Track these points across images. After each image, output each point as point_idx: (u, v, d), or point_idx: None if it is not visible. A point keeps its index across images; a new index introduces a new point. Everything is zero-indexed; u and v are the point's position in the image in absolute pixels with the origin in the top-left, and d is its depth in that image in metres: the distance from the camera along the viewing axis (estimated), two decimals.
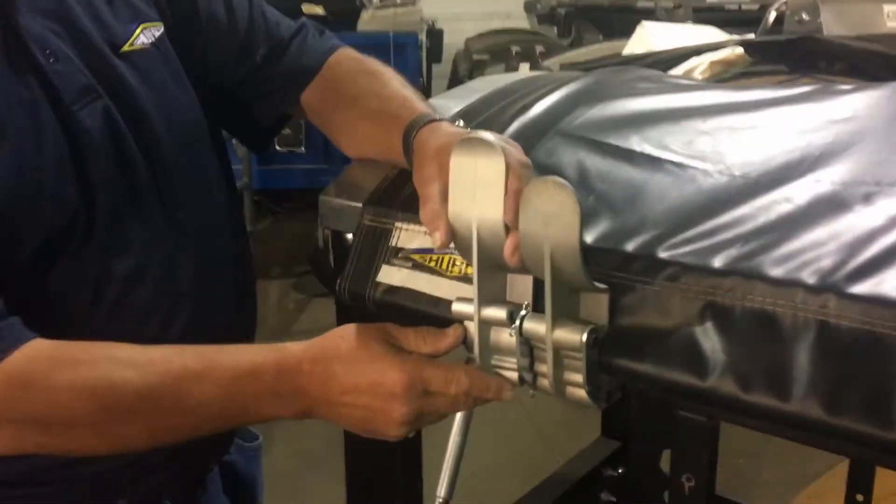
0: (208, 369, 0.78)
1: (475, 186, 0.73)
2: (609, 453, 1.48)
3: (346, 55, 1.02)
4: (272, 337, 3.42)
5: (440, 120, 0.88)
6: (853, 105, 0.91)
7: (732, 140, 0.87)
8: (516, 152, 0.77)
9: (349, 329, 0.80)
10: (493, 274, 0.77)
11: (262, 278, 3.97)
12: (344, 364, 0.78)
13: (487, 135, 0.73)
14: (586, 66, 1.64)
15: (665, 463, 1.47)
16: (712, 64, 1.49)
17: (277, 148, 3.87)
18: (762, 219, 0.75)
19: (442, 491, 1.04)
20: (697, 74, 1.48)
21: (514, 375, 0.78)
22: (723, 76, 1.47)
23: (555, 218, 0.69)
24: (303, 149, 3.86)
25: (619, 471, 1.51)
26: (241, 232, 1.07)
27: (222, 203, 1.01)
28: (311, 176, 3.78)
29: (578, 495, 1.48)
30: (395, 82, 0.96)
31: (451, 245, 0.78)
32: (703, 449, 0.74)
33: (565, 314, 0.74)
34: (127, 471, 0.91)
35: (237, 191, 1.06)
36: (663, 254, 0.74)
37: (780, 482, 2.21)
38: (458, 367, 0.78)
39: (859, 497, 1.33)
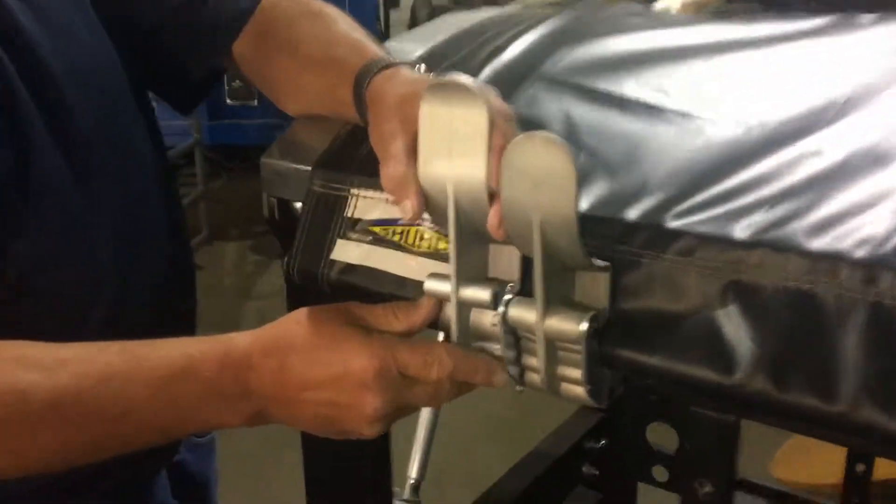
0: (136, 367, 0.65)
1: (451, 142, 0.60)
2: (592, 425, 1.38)
3: None
4: (231, 302, 3.28)
5: (398, 64, 0.74)
6: (880, 39, 0.79)
7: (743, 83, 0.75)
8: (497, 101, 0.64)
9: (304, 313, 0.67)
10: (472, 245, 0.65)
11: (218, 240, 3.81)
12: (301, 354, 0.65)
13: (466, 79, 0.60)
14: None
15: (651, 435, 1.37)
16: (685, 5, 1.37)
17: (228, 101, 3.67)
18: (789, 177, 0.63)
19: (413, 471, 0.93)
20: None
21: None
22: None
23: (545, 182, 0.56)
24: (255, 102, 3.66)
25: (602, 443, 1.41)
26: (174, 200, 0.92)
27: (150, 166, 0.86)
28: (266, 130, 3.60)
29: (560, 472, 1.38)
30: (341, 24, 0.82)
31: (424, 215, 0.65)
32: (721, 450, 0.63)
33: (558, 298, 0.61)
34: (66, 479, 0.78)
35: (166, 154, 0.91)
36: (673, 222, 0.62)
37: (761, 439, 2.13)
38: (438, 346, 0.65)
39: (860, 467, 1.24)
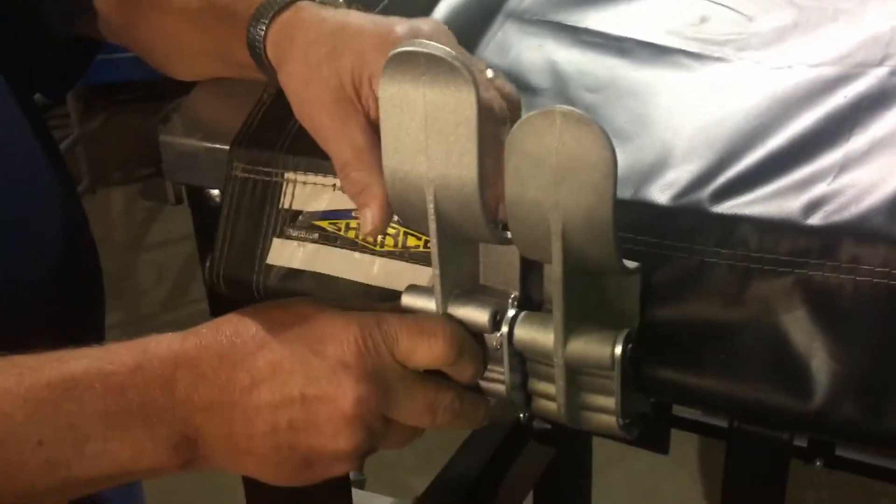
0: (16, 378, 0.46)
1: (427, 133, 0.45)
2: None
3: None
4: (124, 256, 3.02)
5: (297, 1, 0.54)
6: None
7: (761, 13, 0.61)
8: (479, 72, 0.49)
9: (259, 305, 0.51)
10: (458, 250, 0.50)
11: (102, 186, 3.50)
12: (252, 337, 0.47)
13: (439, 47, 0.44)
14: None
15: None
16: None
17: None
18: (848, 136, 0.51)
19: None
20: None
21: (498, 388, 0.53)
22: None
23: (571, 174, 0.42)
24: None
25: None
26: (67, 188, 0.71)
27: (45, 180, 0.65)
28: (141, 65, 3.26)
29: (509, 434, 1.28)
30: None
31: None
32: (770, 473, 0.52)
33: (578, 312, 0.48)
34: None
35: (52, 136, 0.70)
36: (716, 205, 0.49)
37: None
38: (434, 314, 0.50)
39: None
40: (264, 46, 0.54)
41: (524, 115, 0.42)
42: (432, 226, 0.47)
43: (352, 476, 1.42)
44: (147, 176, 3.52)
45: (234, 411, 0.47)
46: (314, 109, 0.51)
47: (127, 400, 0.46)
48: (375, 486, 1.40)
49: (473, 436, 1.26)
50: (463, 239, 0.50)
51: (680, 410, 1.28)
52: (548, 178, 0.43)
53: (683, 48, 0.59)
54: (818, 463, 1.18)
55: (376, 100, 0.48)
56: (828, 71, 0.55)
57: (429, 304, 0.51)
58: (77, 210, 0.69)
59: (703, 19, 0.61)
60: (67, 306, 0.64)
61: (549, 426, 1.37)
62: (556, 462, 1.38)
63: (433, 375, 0.50)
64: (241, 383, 0.47)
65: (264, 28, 0.54)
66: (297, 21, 0.53)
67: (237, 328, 0.48)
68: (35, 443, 0.46)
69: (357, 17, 0.53)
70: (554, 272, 0.45)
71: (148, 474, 0.48)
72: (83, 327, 0.68)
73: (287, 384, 0.47)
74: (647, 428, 1.21)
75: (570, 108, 0.41)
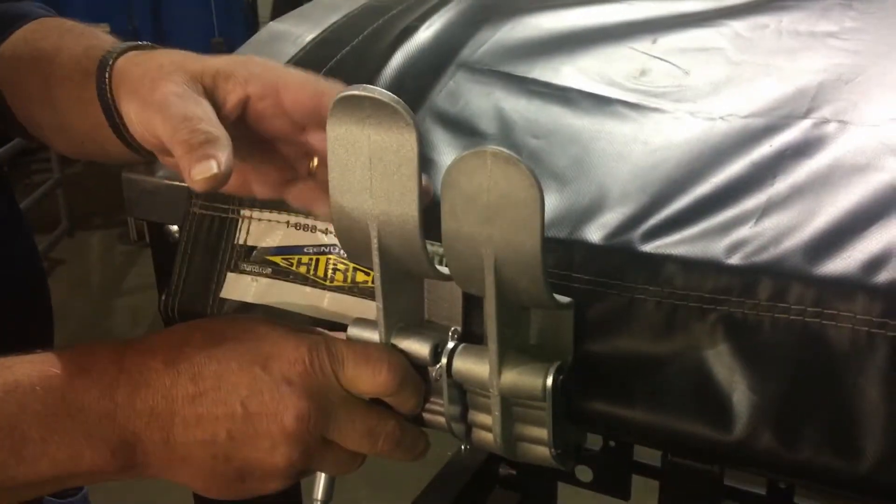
0: None
1: (371, 172, 0.48)
2: None
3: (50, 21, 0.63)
4: (99, 299, 3.02)
5: (136, 47, 0.54)
6: (842, 15, 0.70)
7: (697, 67, 0.65)
8: None
9: (213, 318, 0.53)
10: (402, 286, 0.53)
11: (82, 230, 3.51)
12: (200, 348, 0.48)
13: (383, 93, 0.47)
14: None
15: None
16: None
17: None
18: (772, 184, 0.53)
19: (318, 492, 0.81)
20: None
21: (439, 420, 0.54)
22: None
23: (501, 210, 0.45)
24: None
25: None
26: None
27: None
28: None
29: (476, 477, 1.29)
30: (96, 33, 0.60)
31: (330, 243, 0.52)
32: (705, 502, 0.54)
33: (513, 344, 0.50)
34: None
35: None
36: (645, 244, 0.51)
37: None
38: (381, 345, 0.51)
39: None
40: (110, 74, 0.52)
41: (459, 155, 0.45)
42: (376, 260, 0.50)
43: None
44: (126, 221, 3.54)
45: (174, 418, 0.47)
46: (162, 83, 0.48)
47: (66, 403, 0.47)
48: None
49: (438, 479, 1.27)
50: (406, 274, 0.52)
51: (642, 457, 1.30)
52: (480, 215, 0.45)
53: (623, 99, 0.62)
54: None
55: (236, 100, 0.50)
56: (757, 122, 0.58)
57: (373, 336, 0.52)
58: (17, 230, 0.69)
59: (643, 72, 0.64)
60: (8, 325, 0.64)
61: (514, 472, 1.38)
62: None
63: (376, 404, 0.52)
64: (185, 392, 0.47)
65: (110, 63, 0.53)
66: (145, 58, 0.53)
67: (187, 337, 0.49)
68: None
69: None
70: (487, 305, 0.48)
71: (86, 478, 0.48)
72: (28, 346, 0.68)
73: (230, 396, 0.47)
74: (608, 473, 1.22)
75: (501, 148, 0.43)
